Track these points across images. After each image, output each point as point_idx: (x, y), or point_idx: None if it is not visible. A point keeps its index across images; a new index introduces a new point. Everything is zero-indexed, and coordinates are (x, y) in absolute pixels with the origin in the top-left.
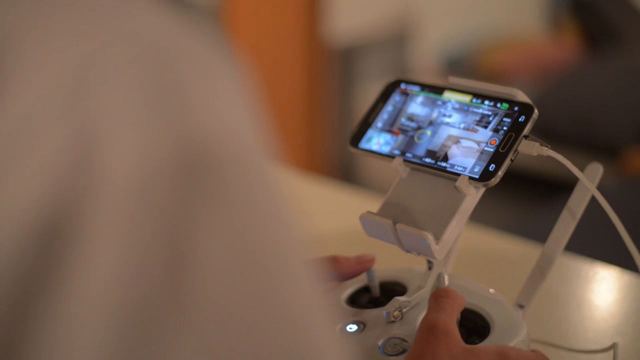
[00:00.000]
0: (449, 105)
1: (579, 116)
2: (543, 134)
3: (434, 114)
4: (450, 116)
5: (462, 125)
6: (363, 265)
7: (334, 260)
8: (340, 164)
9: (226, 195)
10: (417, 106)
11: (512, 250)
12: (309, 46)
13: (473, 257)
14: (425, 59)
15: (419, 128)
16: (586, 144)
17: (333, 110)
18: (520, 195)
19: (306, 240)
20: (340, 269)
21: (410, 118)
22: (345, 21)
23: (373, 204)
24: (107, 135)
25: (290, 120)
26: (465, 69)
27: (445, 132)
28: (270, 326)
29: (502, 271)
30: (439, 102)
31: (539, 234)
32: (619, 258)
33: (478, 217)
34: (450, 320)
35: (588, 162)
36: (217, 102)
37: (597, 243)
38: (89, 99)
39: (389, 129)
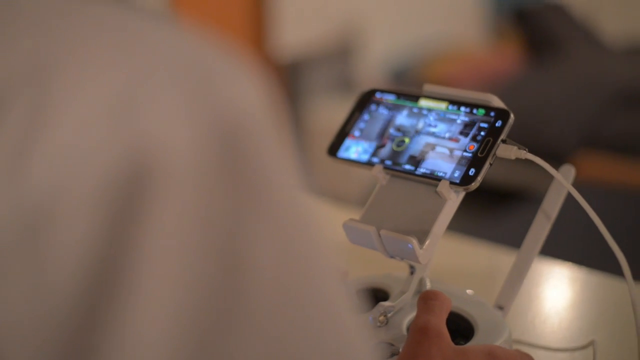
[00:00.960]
0: (431, 114)
1: (525, 124)
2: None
3: (420, 124)
4: (430, 124)
5: (440, 132)
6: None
7: None
8: None
9: (269, 197)
10: (403, 117)
11: (474, 253)
12: (256, 61)
13: (439, 261)
14: (370, 71)
15: (404, 137)
16: (533, 151)
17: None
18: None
19: (330, 242)
20: None
21: (399, 129)
22: (291, 36)
23: (328, 211)
24: (158, 148)
25: None
26: (410, 80)
27: (423, 140)
28: (314, 329)
29: (470, 273)
30: (424, 112)
31: (494, 239)
32: (584, 258)
33: None
34: (441, 322)
35: (535, 169)
36: (250, 106)
37: (566, 244)
38: (137, 117)
39: (370, 138)
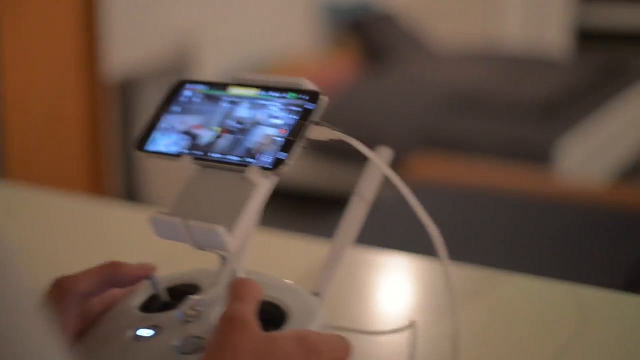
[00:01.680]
0: (274, 105)
1: (362, 129)
2: (328, 149)
3: (259, 116)
4: (272, 115)
5: (251, 118)
6: (145, 272)
7: (114, 266)
8: (125, 190)
9: None
10: (244, 109)
11: (297, 248)
12: (88, 80)
13: (260, 256)
14: None
15: (243, 129)
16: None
17: (114, 141)
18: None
19: (29, 284)
20: (121, 275)
21: (239, 121)
22: (124, 54)
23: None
24: None
25: (73, 152)
26: None
27: (261, 131)
28: None
29: (292, 267)
30: (262, 102)
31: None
32: (406, 245)
33: None
34: (249, 310)
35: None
36: None
37: (389, 233)
38: None
39: (187, 129)
